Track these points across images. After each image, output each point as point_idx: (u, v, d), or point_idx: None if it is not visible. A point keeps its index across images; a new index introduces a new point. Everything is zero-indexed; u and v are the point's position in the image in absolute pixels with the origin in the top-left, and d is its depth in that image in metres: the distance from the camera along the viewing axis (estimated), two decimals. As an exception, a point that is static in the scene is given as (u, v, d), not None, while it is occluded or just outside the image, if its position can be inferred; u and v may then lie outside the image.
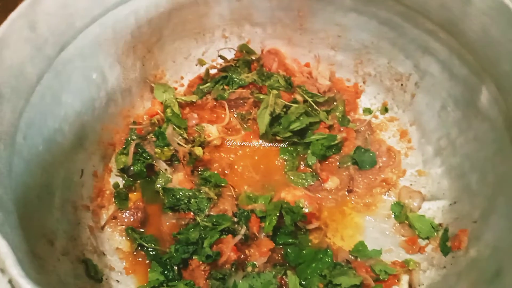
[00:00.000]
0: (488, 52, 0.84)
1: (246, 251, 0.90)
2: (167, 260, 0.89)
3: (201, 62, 1.17)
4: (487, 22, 0.82)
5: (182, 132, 1.05)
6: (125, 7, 0.96)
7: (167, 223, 0.96)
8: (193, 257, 0.87)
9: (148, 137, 1.04)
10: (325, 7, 1.08)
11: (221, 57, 1.18)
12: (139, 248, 0.94)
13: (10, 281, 0.49)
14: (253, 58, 1.17)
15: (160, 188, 0.99)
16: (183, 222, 0.94)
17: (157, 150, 1.01)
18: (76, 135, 0.93)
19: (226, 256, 0.85)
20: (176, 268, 0.88)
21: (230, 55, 1.18)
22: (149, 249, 0.94)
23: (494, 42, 0.82)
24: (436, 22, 0.93)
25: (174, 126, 1.05)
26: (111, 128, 1.04)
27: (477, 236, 0.86)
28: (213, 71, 1.18)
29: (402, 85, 1.09)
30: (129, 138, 1.04)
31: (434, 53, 0.99)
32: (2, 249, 0.50)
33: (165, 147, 1.02)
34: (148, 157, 1.01)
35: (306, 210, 0.93)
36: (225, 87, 1.13)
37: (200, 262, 0.86)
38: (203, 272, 0.86)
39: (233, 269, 0.86)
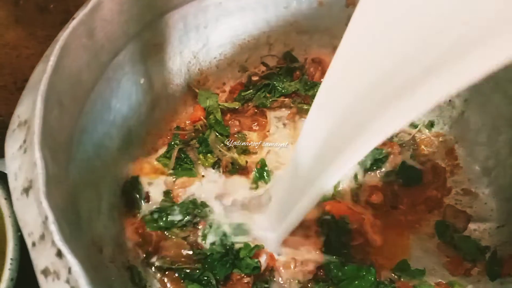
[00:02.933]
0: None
1: (289, 265, 0.90)
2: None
3: (243, 69, 1.16)
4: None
5: (224, 139, 1.05)
6: (175, 12, 0.96)
7: (208, 231, 0.96)
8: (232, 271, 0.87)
9: (191, 143, 1.04)
10: (373, 17, 1.06)
11: (264, 64, 1.17)
12: (181, 255, 0.94)
13: (80, 299, 0.49)
14: (296, 66, 1.15)
15: (202, 196, 0.99)
16: (225, 232, 0.94)
17: (201, 156, 1.01)
18: (123, 140, 0.93)
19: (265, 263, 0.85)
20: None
21: (272, 62, 1.17)
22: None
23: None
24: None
25: (217, 133, 1.05)
26: (154, 132, 1.04)
27: (529, 262, 0.85)
28: (254, 78, 1.17)
29: (450, 100, 1.06)
30: (172, 143, 1.04)
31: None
32: (74, 268, 0.50)
33: (209, 154, 1.02)
34: (190, 163, 1.01)
35: (351, 226, 0.92)
36: (267, 94, 1.12)
37: (243, 275, 0.86)
38: (246, 284, 0.86)
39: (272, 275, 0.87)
